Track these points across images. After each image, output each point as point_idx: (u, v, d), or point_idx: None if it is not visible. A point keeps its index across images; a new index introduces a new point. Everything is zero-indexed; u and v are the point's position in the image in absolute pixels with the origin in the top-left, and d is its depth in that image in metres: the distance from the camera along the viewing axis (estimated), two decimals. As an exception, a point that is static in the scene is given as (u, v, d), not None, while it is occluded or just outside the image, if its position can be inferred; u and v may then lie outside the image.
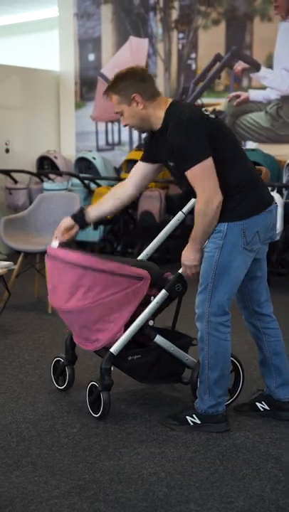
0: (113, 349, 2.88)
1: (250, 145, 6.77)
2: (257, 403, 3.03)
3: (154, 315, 2.99)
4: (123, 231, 7.25)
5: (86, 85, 8.22)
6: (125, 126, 2.81)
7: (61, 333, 4.32)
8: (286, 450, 2.68)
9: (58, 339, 4.18)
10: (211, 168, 2.63)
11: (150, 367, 2.99)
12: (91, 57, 8.14)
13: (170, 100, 2.77)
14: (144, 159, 2.94)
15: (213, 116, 2.74)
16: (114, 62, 7.87)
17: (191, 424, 2.85)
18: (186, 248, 2.79)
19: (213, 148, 2.65)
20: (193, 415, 2.86)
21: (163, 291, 2.95)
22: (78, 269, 2.84)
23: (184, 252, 2.81)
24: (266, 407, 3.01)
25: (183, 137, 2.63)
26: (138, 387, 3.31)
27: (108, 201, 3.07)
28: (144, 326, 2.94)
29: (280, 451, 2.67)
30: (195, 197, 2.71)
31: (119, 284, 2.84)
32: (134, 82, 2.71)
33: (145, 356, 2.97)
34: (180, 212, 3.07)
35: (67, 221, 3.06)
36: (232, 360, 2.99)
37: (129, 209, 7.13)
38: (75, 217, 3.06)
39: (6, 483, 2.40)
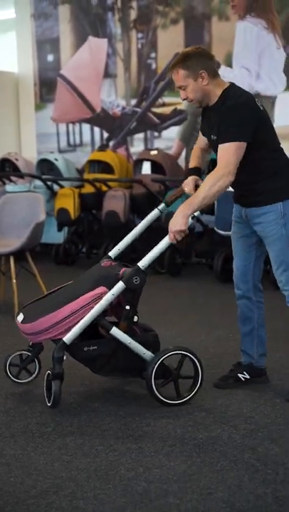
0: (66, 338, 2.93)
1: (212, 143, 6.82)
2: (239, 374, 3.28)
3: (134, 311, 3.00)
4: (87, 232, 7.21)
5: (46, 86, 8.16)
6: (184, 99, 2.99)
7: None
8: (261, 440, 2.69)
9: (26, 342, 4.12)
10: (242, 151, 2.84)
11: (106, 359, 3.00)
12: (50, 58, 8.09)
13: (228, 83, 2.98)
14: (203, 134, 3.20)
15: (262, 107, 2.97)
16: (73, 62, 7.84)
17: (243, 380, 3.24)
18: (175, 214, 2.90)
19: (264, 135, 2.93)
20: (244, 372, 3.23)
21: (120, 283, 2.96)
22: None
23: (172, 220, 2.89)
24: (247, 376, 3.29)
25: (234, 115, 2.86)
26: (112, 384, 3.29)
27: (198, 153, 3.29)
28: (100, 317, 2.97)
29: (255, 442, 2.68)
30: None
31: (82, 314, 2.96)
32: (202, 59, 2.92)
33: (101, 348, 2.99)
34: (156, 210, 3.29)
35: (194, 178, 3.19)
36: (190, 357, 3.08)
37: (92, 209, 7.10)
38: (195, 173, 3.22)
39: (-20, 485, 2.35)
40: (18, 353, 3.29)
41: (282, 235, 2.97)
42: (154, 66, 7.25)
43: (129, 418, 2.92)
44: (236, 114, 2.86)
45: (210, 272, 5.97)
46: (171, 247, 6.05)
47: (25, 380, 3.28)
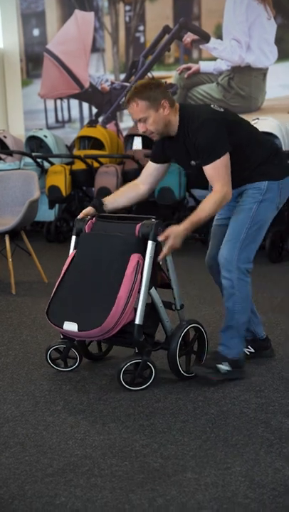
0: (137, 321, 2.86)
1: (203, 117, 6.76)
2: (244, 349, 3.21)
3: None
4: (79, 209, 7.14)
5: (32, 62, 8.03)
6: (144, 132, 2.93)
7: (28, 313, 4.24)
8: (274, 414, 2.69)
9: (25, 319, 4.09)
10: (228, 161, 2.83)
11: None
12: (35, 32, 7.95)
13: (176, 105, 2.93)
14: (154, 161, 3.14)
15: (221, 109, 2.92)
16: (60, 36, 7.71)
17: (224, 371, 3.00)
18: (180, 230, 2.87)
19: (236, 136, 2.88)
20: (223, 362, 3.00)
21: (150, 243, 2.88)
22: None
23: (176, 231, 2.87)
24: (252, 350, 3.29)
25: (205, 135, 2.81)
26: (117, 360, 3.27)
27: (125, 194, 3.21)
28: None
29: (268, 416, 2.67)
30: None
31: (136, 287, 2.87)
32: (162, 89, 2.89)
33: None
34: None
35: (89, 209, 3.15)
36: (197, 327, 3.08)
37: (83, 186, 7.04)
38: (95, 206, 3.15)
39: (-4, 466, 2.32)
40: (55, 346, 3.18)
41: (251, 209, 2.94)
42: (142, 39, 7.15)
43: (138, 395, 2.91)
44: (206, 133, 2.81)
45: (203, 247, 5.94)
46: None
47: (70, 369, 3.22)
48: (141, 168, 6.53)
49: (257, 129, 3.08)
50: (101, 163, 6.72)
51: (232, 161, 2.85)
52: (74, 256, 3.08)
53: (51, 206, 6.98)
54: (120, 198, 3.19)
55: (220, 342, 3.07)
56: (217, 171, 2.82)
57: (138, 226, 2.90)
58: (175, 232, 2.87)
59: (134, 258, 2.86)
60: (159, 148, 3.08)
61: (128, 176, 6.51)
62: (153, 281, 2.95)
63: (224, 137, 2.83)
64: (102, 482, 2.21)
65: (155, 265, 2.95)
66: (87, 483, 2.20)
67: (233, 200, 3.00)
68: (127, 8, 7.20)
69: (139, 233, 2.90)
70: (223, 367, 3.00)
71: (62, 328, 2.93)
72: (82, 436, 2.53)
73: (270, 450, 2.40)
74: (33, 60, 8.00)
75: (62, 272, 3.07)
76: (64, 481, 2.21)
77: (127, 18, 7.21)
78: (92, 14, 7.43)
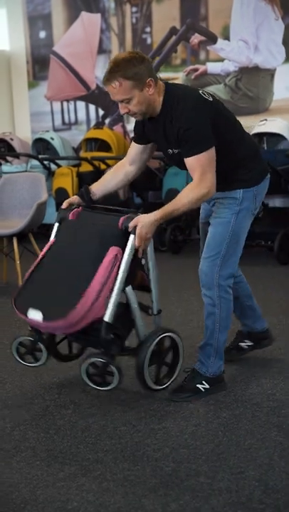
0: (107, 318, 2.65)
1: (210, 118, 6.73)
2: (240, 344, 3.25)
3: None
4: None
5: (38, 64, 8.02)
6: (127, 113, 2.66)
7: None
8: (286, 418, 2.66)
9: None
10: (213, 156, 2.61)
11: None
12: (42, 34, 7.93)
13: (162, 83, 2.66)
14: (136, 141, 2.92)
15: (211, 99, 2.67)
16: (66, 38, 7.70)
17: (203, 390, 2.87)
18: (150, 218, 2.63)
19: (219, 132, 2.63)
20: (203, 381, 2.88)
21: (132, 237, 2.66)
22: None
23: (144, 223, 2.62)
24: (250, 343, 3.26)
25: (190, 124, 2.58)
26: (127, 363, 3.25)
27: (112, 178, 3.01)
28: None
29: (280, 419, 2.64)
30: None
31: (111, 282, 2.66)
32: (147, 65, 2.57)
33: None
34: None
35: (74, 198, 2.99)
36: (171, 336, 2.87)
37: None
38: (81, 195, 2.96)
39: (7, 470, 2.30)
40: (20, 340, 2.95)
41: (230, 222, 2.77)
42: (149, 41, 7.13)
43: (149, 398, 2.88)
44: (192, 122, 2.57)
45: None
46: (172, 223, 6.08)
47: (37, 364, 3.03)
48: (148, 169, 6.53)
49: (242, 126, 2.84)
50: (108, 165, 6.70)
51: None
52: (53, 243, 2.88)
53: (58, 208, 6.96)
54: (109, 182, 2.98)
55: (198, 358, 2.94)
56: (200, 164, 2.58)
57: (122, 219, 2.68)
58: (144, 221, 2.62)
59: (113, 251, 2.64)
60: (140, 128, 2.84)
61: (135, 178, 6.48)
62: (130, 280, 2.72)
63: (209, 130, 2.59)
64: (114, 487, 2.19)
65: (135, 263, 2.73)
66: (99, 488, 2.18)
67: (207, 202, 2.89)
68: (134, 9, 7.18)
69: (122, 226, 2.67)
70: (202, 386, 2.87)
71: (26, 316, 2.72)
72: (94, 441, 2.51)
73: (283, 454, 2.37)
74: (40, 62, 7.99)
75: (38, 258, 2.88)
76: (76, 486, 2.19)
77: (134, 20, 7.19)
78: (98, 16, 7.42)
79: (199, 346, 2.94)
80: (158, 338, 2.80)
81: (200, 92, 2.67)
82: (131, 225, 2.64)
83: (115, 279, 2.66)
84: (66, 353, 3.18)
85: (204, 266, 2.82)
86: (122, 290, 2.71)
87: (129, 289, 2.74)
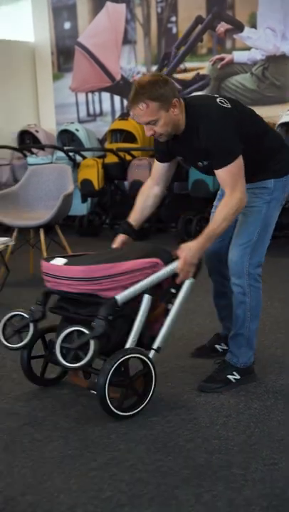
0: (119, 296, 2.58)
1: (236, 108, 6.67)
2: (216, 345, 3.22)
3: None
4: (111, 202, 7.13)
5: (63, 55, 8.02)
6: (152, 135, 2.67)
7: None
8: None
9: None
10: (241, 163, 2.62)
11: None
12: (67, 25, 7.93)
13: (181, 98, 2.68)
14: (160, 160, 2.93)
15: (229, 105, 2.66)
16: (91, 29, 7.68)
17: (234, 381, 2.87)
18: (194, 244, 2.66)
19: (243, 132, 2.65)
20: (233, 372, 2.88)
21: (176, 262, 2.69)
22: (90, 284, 2.60)
23: (190, 248, 2.66)
24: (225, 347, 3.15)
25: (217, 138, 2.60)
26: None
27: (145, 204, 3.01)
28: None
29: (313, 410, 2.62)
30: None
31: (137, 277, 2.65)
32: (171, 86, 2.60)
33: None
34: None
35: (122, 237, 3.00)
36: (142, 359, 2.62)
37: (115, 180, 7.01)
38: (126, 232, 2.99)
39: (39, 459, 2.31)
40: (16, 312, 2.81)
41: (261, 211, 2.79)
42: (174, 30, 7.08)
43: (178, 389, 2.87)
44: (219, 135, 2.59)
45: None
46: (198, 214, 6.07)
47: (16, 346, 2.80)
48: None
49: (264, 121, 2.87)
50: (133, 156, 6.68)
51: (243, 153, 2.64)
52: None
53: (84, 200, 6.97)
54: (144, 209, 3.00)
55: (228, 349, 2.94)
56: (231, 175, 2.60)
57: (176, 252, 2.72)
58: (190, 246, 2.66)
59: (156, 260, 2.68)
60: (164, 146, 2.83)
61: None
62: (154, 292, 2.68)
63: (236, 138, 2.62)
64: (146, 477, 2.18)
65: (167, 287, 2.73)
66: (131, 478, 2.17)
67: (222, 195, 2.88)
68: (159, -1, 7.14)
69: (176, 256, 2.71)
70: (233, 377, 2.87)
71: (48, 263, 2.68)
72: (125, 431, 2.50)
73: (317, 446, 2.34)
74: (65, 54, 7.99)
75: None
76: (108, 476, 2.19)
77: (159, 9, 7.14)
78: (123, 6, 7.39)
79: (230, 337, 2.93)
80: (125, 356, 2.55)
81: (218, 100, 2.66)
82: (178, 251, 2.68)
83: (145, 277, 2.65)
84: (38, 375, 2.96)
85: (234, 254, 2.81)
86: (144, 292, 2.65)
87: (147, 298, 2.65)
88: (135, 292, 2.63)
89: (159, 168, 2.95)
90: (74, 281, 2.60)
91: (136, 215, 3.01)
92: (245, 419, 2.58)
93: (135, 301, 2.64)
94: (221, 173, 2.63)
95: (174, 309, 2.73)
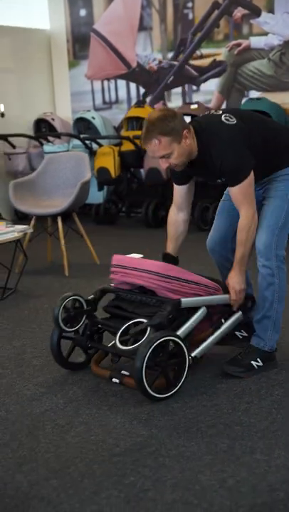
0: (184, 300, 2.76)
1: (253, 94, 6.62)
2: (236, 332, 3.17)
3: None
4: (126, 191, 7.11)
5: (79, 43, 7.98)
6: (168, 167, 2.75)
7: (82, 294, 4.22)
8: None
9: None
10: (252, 183, 2.73)
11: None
12: (82, 12, 7.88)
13: (188, 123, 2.75)
14: (178, 183, 2.99)
15: (234, 120, 2.73)
16: (106, 16, 7.63)
17: (256, 367, 2.89)
18: (234, 273, 2.85)
19: (257, 135, 2.77)
20: (257, 358, 2.89)
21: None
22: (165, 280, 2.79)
23: (233, 278, 2.85)
24: (245, 334, 3.15)
25: (229, 158, 2.69)
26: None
27: (176, 232, 3.10)
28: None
29: None
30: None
31: (199, 291, 2.84)
32: (180, 119, 2.68)
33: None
34: None
35: None
36: (176, 341, 2.66)
37: (131, 168, 6.99)
38: (170, 263, 2.99)
39: (62, 444, 2.32)
40: (75, 297, 2.93)
41: (287, 194, 2.84)
42: (190, 16, 7.02)
43: (199, 375, 2.87)
44: (230, 155, 2.68)
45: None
46: (214, 202, 6.04)
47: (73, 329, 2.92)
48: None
49: (274, 121, 2.96)
50: (150, 144, 6.65)
51: (258, 157, 2.74)
52: None
53: (100, 188, 6.95)
54: (178, 238, 3.09)
55: (254, 333, 2.95)
56: (241, 194, 2.72)
57: None
58: (232, 276, 2.85)
59: (218, 286, 2.90)
60: (179, 172, 2.89)
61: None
62: (210, 316, 2.90)
63: (248, 155, 2.70)
64: (170, 462, 2.18)
65: (220, 316, 2.95)
66: (155, 463, 2.18)
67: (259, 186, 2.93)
68: (175, -16, 7.07)
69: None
70: (256, 363, 2.88)
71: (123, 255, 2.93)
72: (147, 417, 2.51)
73: None
74: (80, 41, 7.95)
75: None
76: (131, 461, 2.20)
77: (175, -5, 7.08)
78: (139, -8, 7.33)
79: (255, 320, 2.93)
80: (162, 339, 2.60)
81: (223, 119, 2.73)
82: (227, 285, 2.89)
83: (206, 295, 2.86)
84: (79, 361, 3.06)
85: (263, 236, 2.83)
86: (199, 306, 2.83)
87: (203, 309, 2.83)
88: (197, 303, 2.81)
89: (179, 191, 3.01)
90: (146, 273, 2.79)
91: (172, 245, 3.11)
92: (267, 405, 2.58)
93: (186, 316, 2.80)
94: (234, 191, 2.75)
95: (219, 331, 2.91)
